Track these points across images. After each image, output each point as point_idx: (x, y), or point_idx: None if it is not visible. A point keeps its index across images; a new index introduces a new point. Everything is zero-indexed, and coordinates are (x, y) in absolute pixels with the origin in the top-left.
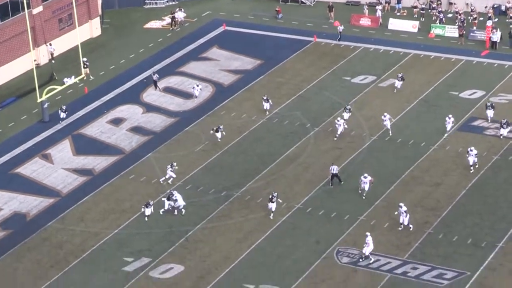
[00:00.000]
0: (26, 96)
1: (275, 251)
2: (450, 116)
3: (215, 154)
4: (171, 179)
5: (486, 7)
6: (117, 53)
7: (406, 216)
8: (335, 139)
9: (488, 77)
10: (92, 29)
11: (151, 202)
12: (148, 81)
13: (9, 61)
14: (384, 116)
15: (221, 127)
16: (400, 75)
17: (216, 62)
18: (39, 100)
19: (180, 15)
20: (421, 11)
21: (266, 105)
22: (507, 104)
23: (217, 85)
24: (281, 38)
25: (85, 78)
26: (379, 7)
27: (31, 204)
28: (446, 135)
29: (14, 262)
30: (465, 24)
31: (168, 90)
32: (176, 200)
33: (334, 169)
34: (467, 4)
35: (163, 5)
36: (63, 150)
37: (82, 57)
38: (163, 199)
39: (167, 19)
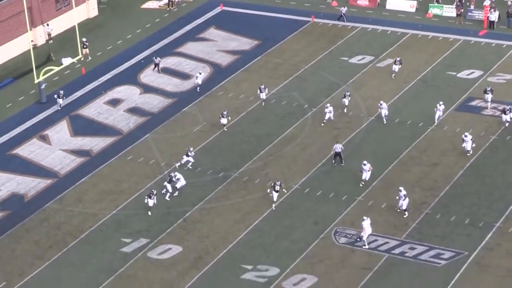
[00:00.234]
0: (23, 77)
1: (273, 232)
2: (441, 103)
3: (212, 135)
4: (190, 163)
5: None
6: (114, 33)
7: (404, 200)
8: (322, 124)
9: (486, 57)
10: (89, 9)
11: (155, 192)
12: (145, 61)
13: (6, 42)
14: (381, 104)
15: (225, 112)
16: (398, 59)
17: (213, 43)
18: (36, 81)
19: None
20: None
21: (262, 95)
22: (505, 83)
23: (214, 66)
24: (278, 18)
25: (82, 58)
26: None
27: (29, 185)
28: (434, 125)
29: (12, 243)
30: (463, 4)
31: (166, 70)
32: (179, 180)
33: (338, 147)
34: None
35: None
36: (60, 131)
37: (81, 38)
38: (165, 183)
39: (164, 0)
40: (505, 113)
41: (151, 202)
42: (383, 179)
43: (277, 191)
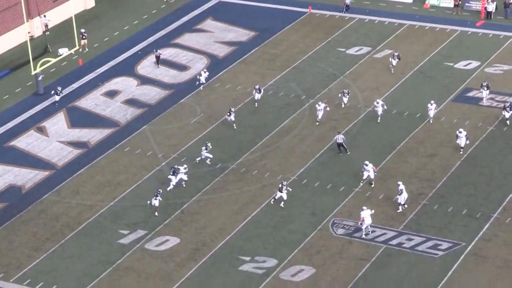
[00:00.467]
0: (20, 68)
1: (271, 223)
2: (432, 102)
3: (210, 126)
4: (208, 159)
5: None
6: (111, 25)
7: (400, 194)
8: (317, 123)
9: (483, 48)
10: (86, 0)
11: (160, 191)
12: (142, 53)
13: (2, 34)
14: (377, 103)
15: (233, 109)
16: (396, 54)
17: (210, 34)
18: (33, 73)
19: None
20: None
21: (258, 96)
22: (502, 74)
23: (211, 57)
24: (276, 9)
25: (80, 49)
26: None
27: (26, 177)
28: (430, 120)
29: (10, 234)
30: None
31: (163, 62)
32: (185, 173)
33: (339, 138)
34: None
35: None
36: (58, 123)
37: (78, 29)
38: (169, 177)
39: None
40: (506, 110)
41: (157, 203)
42: (380, 170)
43: (282, 192)
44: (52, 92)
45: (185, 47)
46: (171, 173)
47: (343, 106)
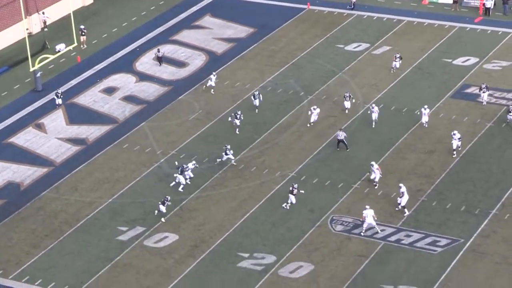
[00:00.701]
0: (18, 65)
1: (269, 220)
2: (426, 107)
3: (208, 123)
4: (232, 160)
5: None
6: (109, 21)
7: (402, 197)
8: (308, 125)
9: (482, 44)
10: None
11: (169, 198)
12: (141, 49)
13: (1, 30)
14: (372, 108)
15: (239, 112)
16: (398, 55)
17: (209, 31)
18: (31, 69)
19: None
20: None
21: (256, 102)
22: (500, 70)
23: (210, 54)
24: (274, 5)
25: (81, 46)
26: None
27: (24, 173)
28: (425, 125)
29: (9, 231)
30: None
31: (161, 58)
32: (190, 169)
33: (340, 134)
34: None
35: None
36: (56, 120)
37: (76, 25)
38: (175, 175)
39: None
40: (510, 113)
41: (164, 209)
42: (379, 166)
43: (294, 194)
44: (54, 96)
45: (184, 44)
46: (179, 172)
47: (346, 112)
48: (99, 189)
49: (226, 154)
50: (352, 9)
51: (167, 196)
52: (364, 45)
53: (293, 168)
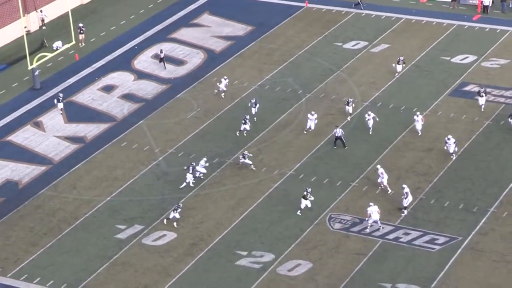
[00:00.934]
0: (17, 63)
1: (268, 218)
2: (418, 113)
3: (207, 121)
4: (251, 165)
5: None
6: (107, 19)
7: (406, 198)
8: (305, 132)
9: (480, 42)
10: None
11: (181, 205)
12: (139, 47)
13: None
14: (369, 115)
15: (247, 117)
16: (401, 59)
17: (207, 29)
18: (30, 68)
19: None
20: None
21: (254, 110)
22: (499, 68)
23: (208, 52)
24: (272, 3)
25: (80, 44)
26: None
27: (23, 172)
28: (419, 132)
29: (7, 230)
30: None
31: (157, 55)
32: (202, 166)
33: (338, 132)
34: None
35: None
36: (54, 118)
37: (74, 24)
38: (188, 174)
39: None
40: (511, 117)
41: (177, 215)
42: (377, 164)
43: (306, 199)
44: (55, 100)
45: (182, 42)
46: (190, 171)
47: (349, 118)
48: (97, 187)
49: (244, 158)
50: (357, 5)
51: (179, 204)
52: (362, 43)
53: (291, 166)
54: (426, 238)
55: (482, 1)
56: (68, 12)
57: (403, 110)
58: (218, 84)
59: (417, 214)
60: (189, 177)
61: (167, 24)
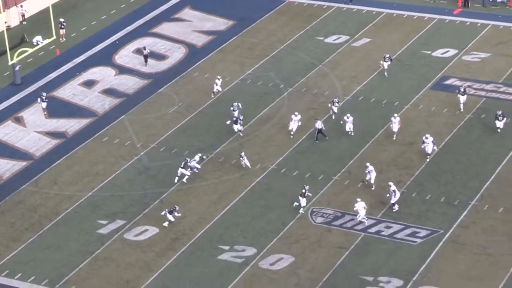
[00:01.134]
0: None
1: (250, 212)
2: (396, 115)
3: (188, 115)
4: (249, 168)
5: None
6: (88, 14)
7: (395, 196)
8: (291, 136)
9: (461, 36)
10: None
11: (177, 208)
12: (120, 42)
13: None
14: (348, 118)
15: (241, 118)
16: (387, 56)
17: (188, 23)
18: (10, 63)
19: None
20: None
21: (235, 113)
22: (479, 62)
23: (190, 46)
24: None
25: (61, 39)
26: None
27: (3, 167)
28: (394, 136)
29: None
30: None
31: (141, 51)
32: (196, 161)
33: (319, 124)
34: None
35: None
36: (35, 113)
37: (55, 19)
38: (180, 170)
39: None
40: (497, 119)
41: (172, 218)
42: (359, 158)
43: (304, 196)
44: (38, 99)
45: (163, 36)
46: (181, 166)
47: (333, 117)
48: (78, 182)
49: (242, 158)
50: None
51: (175, 206)
52: (344, 37)
53: (273, 160)
54: (408, 231)
55: None
56: (48, 7)
57: (385, 104)
58: (214, 85)
59: (398, 207)
60: (180, 171)
61: (149, 18)
